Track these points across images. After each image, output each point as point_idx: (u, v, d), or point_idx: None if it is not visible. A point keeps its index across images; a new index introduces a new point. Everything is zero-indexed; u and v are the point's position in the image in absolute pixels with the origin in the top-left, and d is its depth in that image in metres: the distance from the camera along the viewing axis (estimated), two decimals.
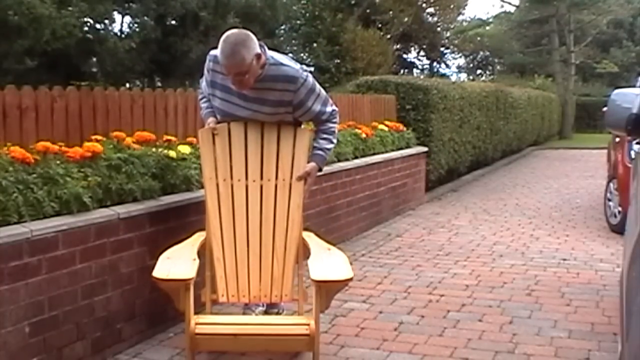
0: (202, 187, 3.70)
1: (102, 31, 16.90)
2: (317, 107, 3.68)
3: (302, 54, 22.64)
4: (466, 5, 35.45)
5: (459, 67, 38.05)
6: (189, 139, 4.41)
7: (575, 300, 4.58)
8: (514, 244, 6.35)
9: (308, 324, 3.16)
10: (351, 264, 3.53)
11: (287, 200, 3.62)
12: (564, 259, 5.75)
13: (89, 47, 15.95)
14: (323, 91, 3.74)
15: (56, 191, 3.20)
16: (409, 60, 32.27)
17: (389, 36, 25.89)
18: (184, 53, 17.40)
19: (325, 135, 3.77)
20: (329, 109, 3.75)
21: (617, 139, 7.22)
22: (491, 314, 4.28)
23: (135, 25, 18.08)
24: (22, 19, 13.27)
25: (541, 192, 9.93)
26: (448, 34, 32.20)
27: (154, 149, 3.96)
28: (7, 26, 13.17)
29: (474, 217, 7.76)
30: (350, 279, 3.17)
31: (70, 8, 14.42)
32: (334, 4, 23.91)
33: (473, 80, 29.69)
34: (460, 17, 32.67)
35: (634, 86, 7.33)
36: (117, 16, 17.97)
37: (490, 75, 35.21)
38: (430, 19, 30.35)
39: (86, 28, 16.07)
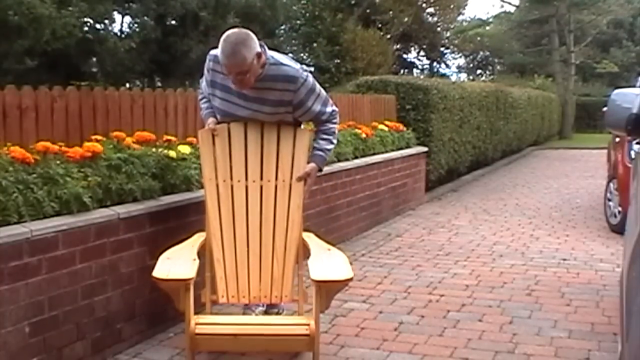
0: (202, 187, 3.70)
1: (102, 31, 16.89)
2: (317, 107, 3.68)
3: (302, 54, 22.64)
4: (466, 5, 35.47)
5: (459, 67, 38.09)
6: (189, 139, 4.41)
7: (575, 300, 4.58)
8: (514, 244, 6.35)
9: (308, 324, 3.16)
10: (351, 264, 3.54)
11: (287, 200, 3.62)
12: (564, 259, 5.75)
13: (89, 47, 15.94)
14: (323, 91, 3.74)
15: (56, 191, 3.20)
16: (409, 60, 32.28)
17: (389, 36, 25.89)
18: (184, 53, 17.40)
19: (325, 136, 3.76)
20: (329, 109, 3.75)
21: (617, 139, 7.22)
22: (491, 314, 4.28)
23: (135, 25, 18.08)
24: (22, 19, 13.27)
25: (541, 192, 9.93)
26: (448, 34, 32.20)
27: (154, 149, 3.96)
28: (7, 26, 13.17)
29: (474, 217, 7.76)
30: (350, 279, 3.17)
31: (70, 8, 14.42)
32: (334, 4, 23.90)
33: (473, 80, 29.70)
34: (460, 17, 32.72)
35: (634, 86, 7.33)
36: (117, 16, 17.97)
37: (490, 75, 35.22)
38: (430, 19, 30.35)
39: (86, 28, 16.06)
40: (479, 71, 36.97)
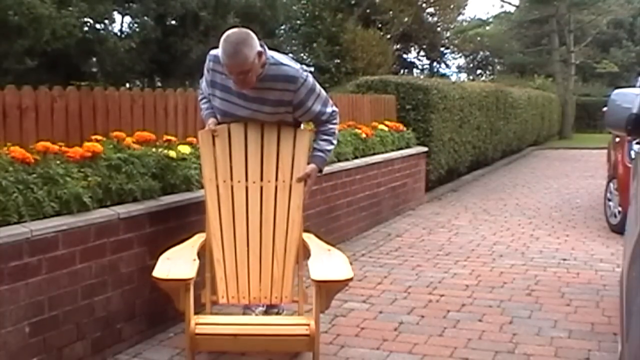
0: (202, 187, 3.70)
1: (102, 31, 16.91)
2: (317, 107, 3.68)
3: (302, 54, 22.64)
4: (466, 5, 35.49)
5: (459, 67, 38.09)
6: (189, 139, 4.41)
7: (575, 300, 4.58)
8: (514, 244, 6.35)
9: (308, 324, 3.16)
10: (351, 264, 3.54)
11: (287, 201, 3.62)
12: (564, 259, 5.75)
13: (89, 47, 15.95)
14: (323, 92, 3.74)
15: (56, 191, 3.20)
16: (409, 60, 32.29)
17: (389, 36, 25.90)
18: (184, 53, 17.40)
19: (325, 137, 3.76)
20: (329, 109, 3.75)
21: (617, 139, 7.22)
22: (491, 314, 4.28)
23: (135, 25, 18.09)
24: (22, 19, 13.27)
25: (541, 192, 9.93)
26: (448, 34, 32.20)
27: (154, 149, 3.96)
28: (7, 26, 13.17)
29: (474, 217, 7.76)
30: (351, 279, 3.17)
31: (70, 8, 14.42)
32: (334, 4, 23.92)
33: (473, 80, 29.69)
34: (460, 17, 32.72)
35: (634, 86, 7.33)
36: (117, 16, 18.00)
37: (490, 75, 35.22)
38: (430, 19, 30.36)
39: (86, 28, 16.08)
40: (479, 71, 36.98)
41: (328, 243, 3.72)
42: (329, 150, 3.78)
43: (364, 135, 6.89)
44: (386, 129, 7.67)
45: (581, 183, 11.04)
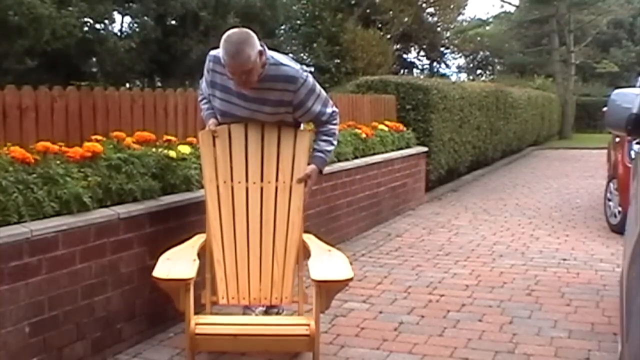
0: (202, 187, 3.70)
1: (102, 31, 16.91)
2: (317, 107, 3.67)
3: (302, 54, 22.64)
4: (466, 5, 35.48)
5: (459, 67, 38.09)
6: (189, 139, 4.41)
7: (575, 300, 4.58)
8: (514, 244, 6.35)
9: (308, 324, 3.16)
10: (351, 264, 3.54)
11: (288, 202, 3.62)
12: (564, 259, 5.75)
13: (89, 47, 15.95)
14: (323, 92, 3.73)
15: (56, 191, 3.20)
16: (409, 60, 32.29)
17: (389, 36, 25.90)
18: (184, 53, 17.40)
19: (325, 137, 3.76)
20: (329, 110, 3.74)
21: (617, 139, 7.22)
22: (491, 314, 4.28)
23: (135, 25, 18.09)
24: (22, 19, 13.27)
25: (541, 192, 9.93)
26: (448, 34, 32.21)
27: (154, 149, 3.96)
28: (7, 26, 13.17)
29: (474, 217, 7.76)
30: (351, 279, 3.17)
31: (70, 8, 14.42)
32: (334, 4, 23.91)
33: (473, 80, 29.69)
34: (460, 17, 32.71)
35: (634, 86, 7.33)
36: (117, 16, 18.00)
37: (490, 75, 35.21)
38: (430, 19, 30.36)
39: (86, 28, 16.08)
40: (479, 71, 36.98)
41: (328, 243, 3.73)
42: (329, 151, 3.78)
43: (364, 135, 6.89)
44: (386, 129, 7.67)
45: (581, 183, 11.04)
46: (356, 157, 6.59)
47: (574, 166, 13.90)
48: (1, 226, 2.93)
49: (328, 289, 3.15)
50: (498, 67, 35.37)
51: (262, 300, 3.58)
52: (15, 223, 3.00)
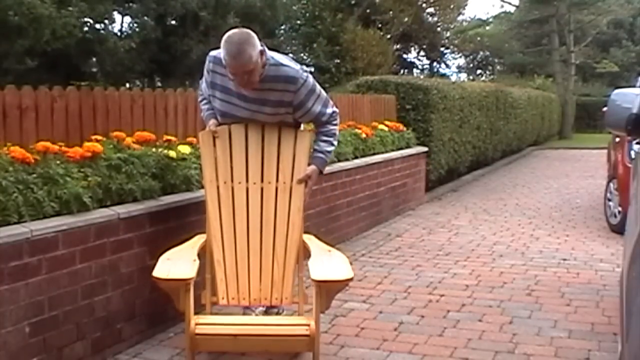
0: (202, 187, 3.70)
1: (102, 31, 16.91)
2: (318, 108, 3.67)
3: (302, 54, 22.65)
4: (466, 5, 35.49)
5: (459, 67, 38.08)
6: (189, 139, 4.41)
7: (575, 300, 4.58)
8: (514, 244, 6.35)
9: (308, 325, 3.16)
10: (351, 264, 3.54)
11: (288, 203, 3.62)
12: (564, 259, 5.75)
13: (89, 47, 15.96)
14: (323, 92, 3.73)
15: (56, 191, 3.20)
16: (409, 60, 32.30)
17: (389, 36, 25.90)
18: (184, 53, 17.41)
19: (325, 138, 3.76)
20: (329, 110, 3.74)
21: (617, 139, 7.22)
22: (491, 314, 4.27)
23: (135, 25, 18.10)
24: (22, 19, 13.28)
25: (541, 192, 9.93)
26: (448, 34, 32.21)
27: (154, 149, 3.96)
28: (7, 26, 13.18)
29: (474, 217, 7.76)
30: (351, 279, 3.17)
31: (70, 8, 14.43)
32: (334, 4, 23.92)
33: (473, 80, 29.69)
34: (460, 17, 32.72)
35: (634, 86, 7.33)
36: (117, 16, 18.00)
37: (490, 75, 35.21)
38: (430, 19, 30.37)
39: (86, 28, 16.08)
40: (479, 71, 36.98)
41: (328, 244, 3.73)
42: (329, 152, 3.78)
43: (364, 135, 6.89)
44: (386, 129, 7.67)
45: (581, 183, 11.04)
46: (356, 157, 6.59)
47: (574, 166, 13.90)
48: (1, 226, 2.93)
49: (328, 289, 3.15)
50: (498, 67, 35.38)
51: (262, 300, 3.58)
52: (15, 223, 3.00)
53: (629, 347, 1.93)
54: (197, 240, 3.58)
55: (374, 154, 7.01)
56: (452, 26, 31.76)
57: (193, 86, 11.01)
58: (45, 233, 3.07)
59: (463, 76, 35.69)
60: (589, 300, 4.58)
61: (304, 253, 3.62)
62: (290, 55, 16.23)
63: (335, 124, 3.82)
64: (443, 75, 30.88)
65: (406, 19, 26.60)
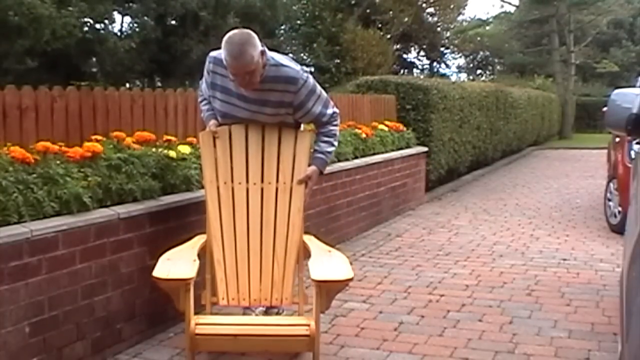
0: (202, 187, 3.70)
1: (102, 31, 16.92)
2: (318, 108, 3.67)
3: (302, 54, 22.65)
4: (466, 5, 35.51)
5: (459, 67, 38.10)
6: (189, 139, 4.41)
7: (575, 300, 4.58)
8: (514, 244, 6.35)
9: (308, 325, 3.16)
10: (351, 264, 3.53)
11: (288, 203, 3.62)
12: (564, 259, 5.75)
13: (89, 47, 15.96)
14: (324, 93, 3.73)
15: (56, 191, 3.20)
16: (409, 60, 32.30)
17: (389, 36, 25.91)
18: (184, 53, 17.41)
19: (326, 138, 3.76)
20: (329, 111, 3.74)
21: (617, 139, 7.22)
22: (491, 314, 4.27)
23: (135, 25, 18.11)
24: (22, 19, 13.28)
25: (541, 192, 9.93)
26: (448, 34, 32.22)
27: (154, 149, 3.96)
28: (7, 26, 13.18)
29: (474, 217, 7.76)
30: (351, 279, 3.17)
31: (70, 8, 14.44)
32: (334, 4, 23.92)
33: (473, 80, 29.69)
34: (460, 17, 32.73)
35: (634, 86, 7.33)
36: (117, 16, 18.01)
37: (490, 75, 35.22)
38: (430, 19, 30.38)
39: (86, 28, 16.09)
40: (479, 71, 36.98)
41: (328, 244, 3.73)
42: (329, 152, 3.78)
43: (364, 135, 6.89)
44: (386, 129, 7.67)
45: (581, 183, 11.04)
46: (356, 157, 6.59)
47: (574, 166, 13.90)
48: (1, 226, 2.93)
49: (328, 289, 3.15)
50: (498, 67, 35.38)
51: (262, 301, 3.58)
52: (15, 223, 3.00)
53: (629, 347, 1.93)
54: (197, 241, 3.58)
55: (374, 154, 7.01)
56: (452, 26, 31.76)
57: (193, 86, 11.00)
58: (45, 233, 3.07)
59: (463, 76, 35.74)
60: (589, 300, 4.58)
61: (304, 253, 3.62)
62: (290, 55, 16.24)
63: (336, 125, 3.81)
64: (443, 75, 30.90)
65: (406, 19, 26.61)
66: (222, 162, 3.61)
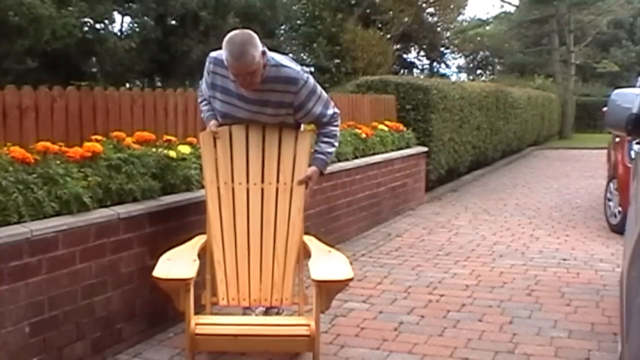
0: (202, 187, 3.70)
1: (102, 31, 16.91)
2: (318, 109, 3.67)
3: (302, 54, 22.65)
4: (466, 5, 35.50)
5: (459, 67, 38.08)
6: (189, 139, 4.41)
7: (575, 300, 4.58)
8: (514, 244, 6.35)
9: (308, 325, 3.16)
10: (351, 264, 3.53)
11: (288, 203, 3.62)
12: (564, 259, 5.75)
13: (89, 47, 15.96)
14: (324, 93, 3.73)
15: (56, 191, 3.20)
16: (409, 60, 32.30)
17: (389, 36, 25.90)
18: (184, 53, 17.41)
19: (326, 139, 3.76)
20: (330, 111, 3.74)
21: (617, 139, 7.22)
22: (491, 314, 4.28)
23: (135, 25, 18.10)
24: (22, 19, 13.28)
25: (541, 192, 9.93)
26: (448, 34, 32.21)
27: (154, 149, 3.96)
28: (7, 26, 13.18)
29: (474, 217, 7.76)
30: (351, 279, 3.17)
31: (70, 8, 14.44)
32: (334, 4, 23.92)
33: (473, 80, 29.69)
34: (460, 17, 32.71)
35: (634, 86, 7.33)
36: (117, 16, 18.00)
37: (490, 75, 35.22)
38: (430, 19, 30.37)
39: (86, 28, 16.09)
40: (479, 71, 36.97)
41: (328, 244, 3.73)
42: (330, 153, 3.77)
43: (364, 135, 6.89)
44: (386, 129, 7.67)
45: (581, 183, 11.04)
46: (356, 157, 6.59)
47: (574, 166, 13.90)
48: (1, 226, 2.93)
49: (328, 289, 3.15)
50: (498, 67, 35.38)
51: (263, 301, 3.58)
52: (15, 223, 3.00)
53: (629, 347, 1.93)
54: (198, 241, 3.58)
55: (374, 154, 7.01)
56: (452, 26, 31.75)
57: (193, 86, 11.00)
58: (45, 233, 3.07)
59: (463, 76, 35.73)
60: (589, 300, 4.58)
61: (304, 253, 3.62)
62: (290, 55, 16.25)
63: (336, 125, 3.81)
64: (443, 75, 30.89)
65: (406, 19, 26.60)
66: (223, 162, 3.61)
